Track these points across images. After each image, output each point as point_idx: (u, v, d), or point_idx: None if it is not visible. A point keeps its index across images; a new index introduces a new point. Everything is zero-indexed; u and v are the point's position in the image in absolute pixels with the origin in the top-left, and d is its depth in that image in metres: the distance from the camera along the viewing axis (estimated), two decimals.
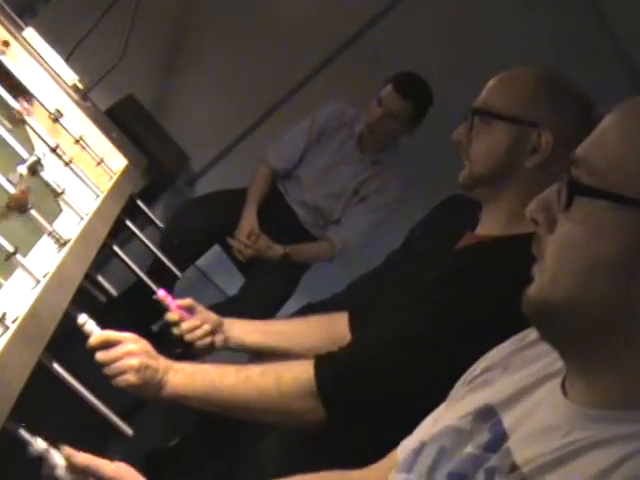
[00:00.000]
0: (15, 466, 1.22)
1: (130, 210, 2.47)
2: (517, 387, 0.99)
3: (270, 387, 1.51)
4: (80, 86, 2.32)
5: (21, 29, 2.27)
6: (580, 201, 0.82)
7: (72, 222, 1.75)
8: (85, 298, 2.50)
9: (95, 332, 1.53)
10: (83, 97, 2.31)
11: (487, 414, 0.99)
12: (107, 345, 1.52)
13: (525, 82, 1.58)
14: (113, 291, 3.29)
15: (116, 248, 1.94)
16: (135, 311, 2.72)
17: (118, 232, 2.46)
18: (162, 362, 1.54)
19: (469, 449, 0.96)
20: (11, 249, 1.35)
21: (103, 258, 2.25)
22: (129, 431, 1.34)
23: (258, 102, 3.75)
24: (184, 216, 3.23)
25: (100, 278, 3.29)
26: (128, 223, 1.94)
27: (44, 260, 1.49)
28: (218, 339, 1.86)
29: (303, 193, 3.31)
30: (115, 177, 2.12)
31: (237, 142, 3.85)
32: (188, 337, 1.82)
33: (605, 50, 3.32)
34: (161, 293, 1.86)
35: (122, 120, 3.22)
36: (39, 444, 1.17)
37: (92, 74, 2.72)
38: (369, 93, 3.17)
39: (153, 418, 2.68)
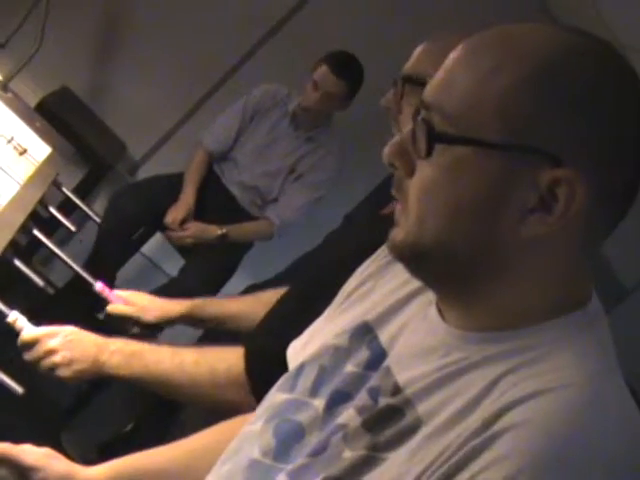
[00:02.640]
0: None
1: (66, 205, 2.51)
2: (390, 301, 0.99)
3: (203, 378, 1.51)
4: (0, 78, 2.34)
5: None
6: (437, 147, 0.80)
7: None
8: (32, 291, 2.56)
9: (26, 329, 1.52)
10: (3, 88, 2.33)
11: (363, 331, 0.99)
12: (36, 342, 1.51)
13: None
14: (58, 284, 3.36)
15: (49, 243, 1.93)
16: (79, 302, 2.74)
17: (55, 227, 2.48)
18: (91, 346, 1.53)
19: (349, 367, 0.95)
20: None
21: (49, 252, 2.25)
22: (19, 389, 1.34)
23: (195, 87, 3.76)
24: (119, 201, 3.26)
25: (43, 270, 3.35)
26: (35, 232, 1.93)
27: None
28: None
29: (240, 174, 3.34)
30: (36, 165, 2.14)
31: (176, 128, 3.86)
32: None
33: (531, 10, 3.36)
34: (99, 286, 1.88)
35: (55, 111, 3.24)
36: None
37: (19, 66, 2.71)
38: (299, 75, 3.22)
39: (107, 404, 2.72)
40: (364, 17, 3.52)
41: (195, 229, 3.22)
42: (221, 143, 3.33)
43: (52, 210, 2.09)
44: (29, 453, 1.20)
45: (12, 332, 1.49)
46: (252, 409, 1.12)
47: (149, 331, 1.90)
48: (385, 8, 3.49)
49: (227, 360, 1.53)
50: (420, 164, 0.83)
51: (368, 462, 0.84)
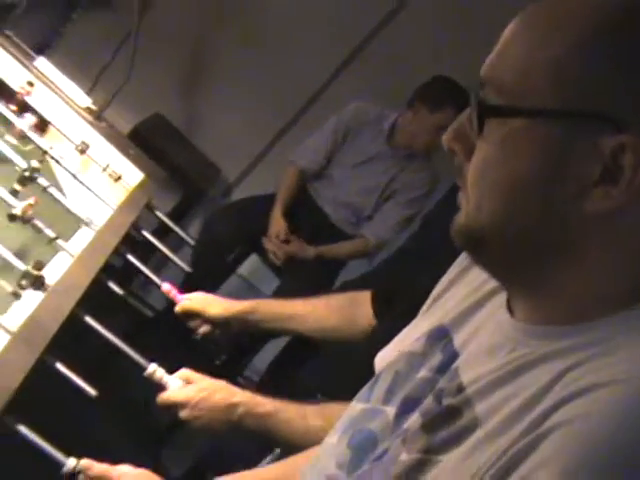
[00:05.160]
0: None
1: (161, 229, 2.56)
2: (466, 304, 0.96)
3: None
4: (94, 108, 2.42)
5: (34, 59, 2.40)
6: (492, 122, 0.78)
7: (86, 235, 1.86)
8: (131, 314, 2.61)
9: (168, 382, 1.53)
10: (97, 118, 2.41)
11: (440, 335, 0.96)
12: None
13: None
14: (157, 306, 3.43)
15: (133, 259, 1.97)
16: (177, 325, 2.79)
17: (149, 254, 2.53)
18: (221, 408, 1.52)
19: (422, 372, 0.93)
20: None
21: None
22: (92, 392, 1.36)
23: (284, 108, 3.81)
24: (214, 223, 3.32)
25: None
26: (129, 256, 1.97)
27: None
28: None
29: (335, 191, 3.36)
30: (130, 190, 2.21)
31: (267, 150, 3.92)
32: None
33: None
34: (165, 286, 1.89)
35: (148, 137, 3.33)
36: None
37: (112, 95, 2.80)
38: (389, 90, 3.22)
39: None
40: (449, 32, 3.49)
41: (295, 246, 3.25)
42: (312, 162, 3.35)
43: (145, 234, 2.13)
44: (127, 475, 1.23)
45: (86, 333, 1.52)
46: None
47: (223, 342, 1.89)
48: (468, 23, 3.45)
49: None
50: (478, 145, 0.80)
51: (422, 465, 0.81)
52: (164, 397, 1.50)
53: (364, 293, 1.87)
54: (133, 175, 2.36)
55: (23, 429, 1.19)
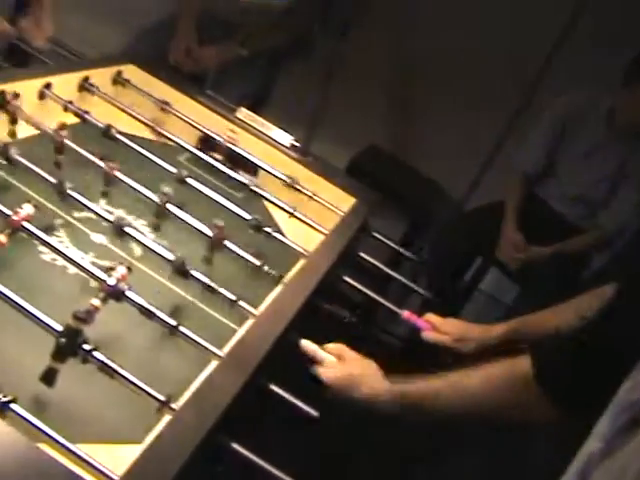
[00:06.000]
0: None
1: (393, 259, 2.54)
2: None
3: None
4: (297, 144, 2.47)
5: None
6: None
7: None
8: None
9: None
10: (303, 154, 2.46)
11: None
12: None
13: None
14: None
15: (370, 292, 1.96)
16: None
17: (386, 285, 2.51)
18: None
19: None
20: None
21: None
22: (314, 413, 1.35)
23: (498, 114, 3.71)
24: (446, 239, 3.29)
25: None
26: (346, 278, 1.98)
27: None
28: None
29: (564, 188, 3.24)
30: (341, 215, 2.21)
31: (490, 160, 3.82)
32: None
33: None
34: (405, 314, 1.89)
35: (366, 169, 3.36)
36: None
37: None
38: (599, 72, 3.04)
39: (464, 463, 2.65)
40: None
41: (530, 251, 3.12)
42: (535, 164, 3.26)
43: (376, 263, 2.13)
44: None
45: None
46: None
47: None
48: None
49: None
50: None
51: None
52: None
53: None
54: (346, 202, 2.37)
55: (236, 446, 1.20)
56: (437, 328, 1.85)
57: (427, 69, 3.70)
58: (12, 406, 1.07)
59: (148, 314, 1.36)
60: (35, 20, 2.58)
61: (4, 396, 1.08)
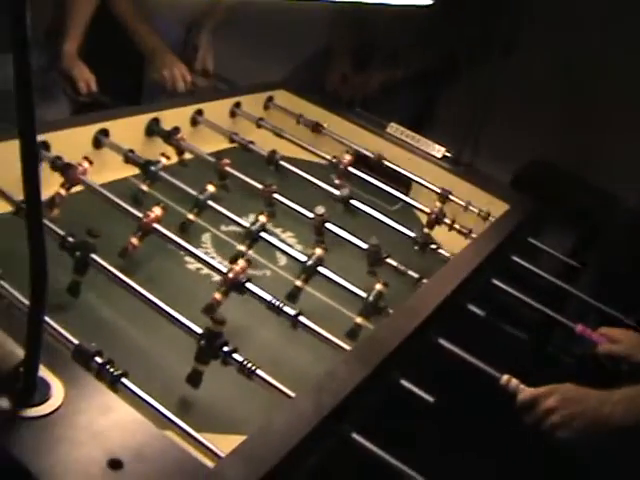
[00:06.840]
0: None
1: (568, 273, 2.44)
2: None
3: None
4: (449, 155, 2.46)
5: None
6: None
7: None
8: None
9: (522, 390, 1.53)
10: (454, 163, 2.45)
11: None
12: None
13: None
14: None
15: (542, 306, 1.91)
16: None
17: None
18: (592, 401, 1.49)
19: None
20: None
21: None
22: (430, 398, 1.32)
23: None
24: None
25: None
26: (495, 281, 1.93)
27: None
28: None
29: None
30: (490, 221, 2.18)
31: None
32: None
33: None
34: (579, 328, 1.84)
35: (530, 180, 3.28)
36: None
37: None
38: None
39: None
40: None
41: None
42: None
43: (545, 275, 2.06)
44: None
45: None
46: None
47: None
48: None
49: None
50: None
51: None
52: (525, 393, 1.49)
53: None
54: (501, 209, 2.32)
55: (357, 437, 1.20)
56: (611, 338, 1.77)
57: (594, 82, 3.55)
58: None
59: (272, 307, 1.40)
60: (201, 60, 2.76)
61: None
